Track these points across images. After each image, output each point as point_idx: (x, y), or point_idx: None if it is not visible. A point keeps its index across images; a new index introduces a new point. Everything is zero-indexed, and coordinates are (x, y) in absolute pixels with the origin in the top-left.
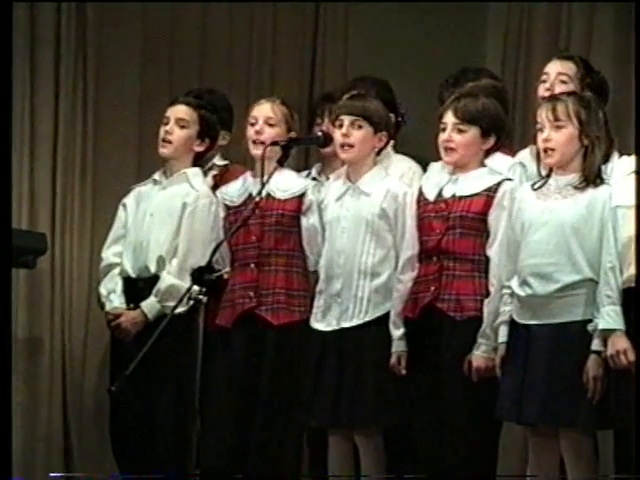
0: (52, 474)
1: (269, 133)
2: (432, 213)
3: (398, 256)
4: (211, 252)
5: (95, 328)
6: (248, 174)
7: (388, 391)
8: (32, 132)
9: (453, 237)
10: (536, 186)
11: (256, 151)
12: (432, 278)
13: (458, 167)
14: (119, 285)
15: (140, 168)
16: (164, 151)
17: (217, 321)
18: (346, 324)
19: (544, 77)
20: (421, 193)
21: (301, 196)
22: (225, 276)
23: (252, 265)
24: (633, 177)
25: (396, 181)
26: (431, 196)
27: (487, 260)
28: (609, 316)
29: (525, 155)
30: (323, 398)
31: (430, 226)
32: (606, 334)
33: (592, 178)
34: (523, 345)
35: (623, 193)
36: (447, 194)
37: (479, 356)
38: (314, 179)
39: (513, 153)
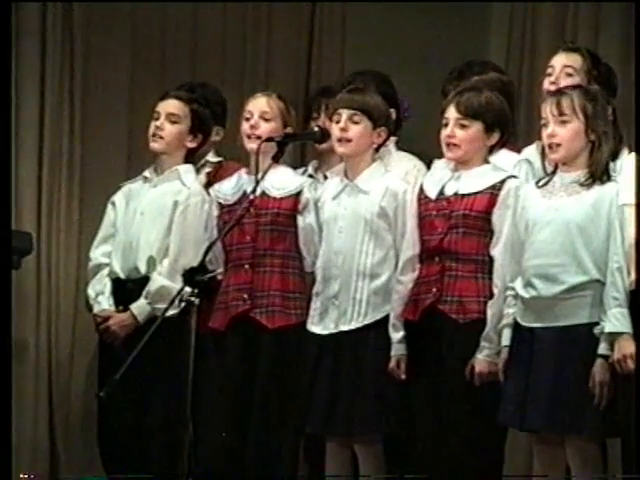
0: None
1: (264, 128)
2: (434, 211)
3: (398, 256)
4: (203, 252)
5: (83, 331)
6: (243, 171)
7: (387, 397)
8: (17, 128)
9: (456, 236)
10: (541, 183)
11: (251, 146)
12: (434, 279)
13: (461, 164)
14: (108, 286)
15: (129, 165)
16: (155, 145)
17: (210, 324)
18: (344, 327)
19: (549, 70)
20: (422, 191)
21: (297, 194)
22: (219, 277)
23: (246, 266)
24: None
25: (396, 178)
26: (433, 194)
27: (491, 260)
28: (616, 319)
29: (531, 151)
30: (319, 404)
31: (432, 225)
32: (613, 337)
33: (599, 175)
34: (527, 349)
35: (631, 191)
36: (449, 192)
37: (482, 360)
38: (310, 176)
39: (518, 150)
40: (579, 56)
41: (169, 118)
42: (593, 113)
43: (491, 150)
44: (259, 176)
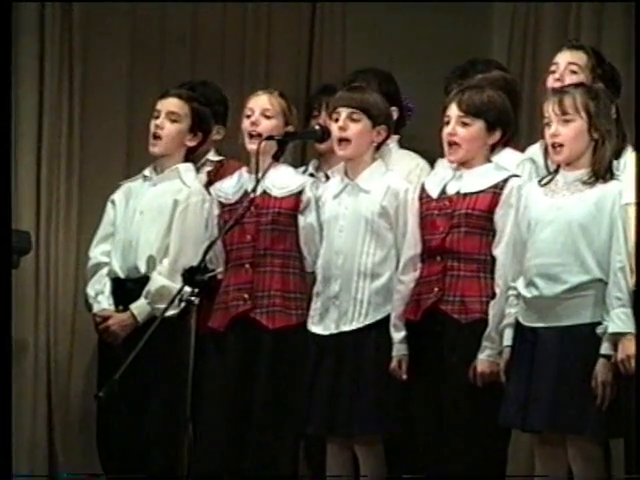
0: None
1: (265, 125)
2: (435, 211)
3: (399, 256)
4: (203, 252)
5: (82, 331)
6: (244, 170)
7: (388, 398)
8: (15, 127)
9: (458, 236)
10: (543, 182)
11: (251, 145)
12: (435, 279)
13: (463, 163)
14: (107, 286)
15: (128, 164)
16: (154, 149)
17: (210, 323)
18: (345, 328)
19: (553, 67)
20: (423, 190)
21: (298, 194)
22: (219, 276)
23: (247, 266)
24: None
25: (396, 177)
26: (434, 193)
27: (493, 260)
28: (619, 319)
29: (535, 150)
30: (320, 405)
31: (433, 224)
32: (617, 338)
33: (602, 173)
34: (529, 349)
35: (634, 190)
36: (451, 191)
37: (484, 360)
38: (311, 175)
39: (522, 149)
40: (584, 54)
41: (169, 117)
42: (596, 111)
43: (493, 149)
44: (259, 175)
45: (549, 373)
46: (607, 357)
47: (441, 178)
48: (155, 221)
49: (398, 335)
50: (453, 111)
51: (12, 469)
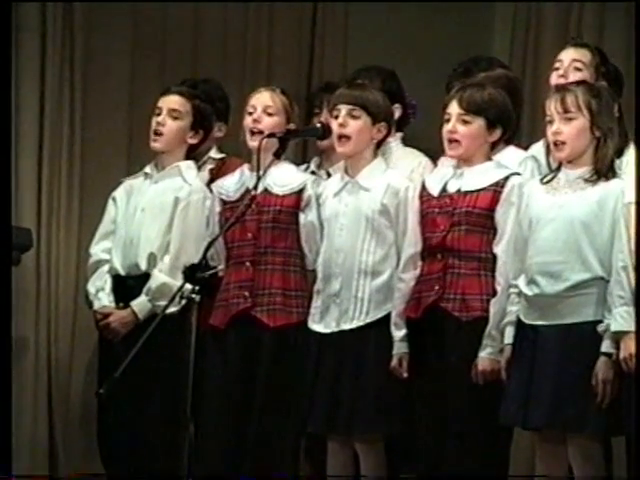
0: None
1: (267, 122)
2: (436, 209)
3: (400, 254)
4: (204, 249)
5: (82, 328)
6: (245, 167)
7: (389, 396)
8: (16, 123)
9: (458, 234)
10: (545, 180)
11: (253, 142)
12: (436, 277)
13: (463, 161)
14: (108, 283)
15: (130, 161)
16: (156, 145)
17: (210, 321)
18: (346, 326)
19: (557, 65)
20: (424, 188)
21: (300, 191)
22: (220, 274)
23: (247, 263)
24: None
25: (397, 175)
26: (435, 191)
27: (494, 258)
28: (622, 317)
29: (538, 149)
30: (321, 403)
31: (434, 222)
32: (619, 336)
33: (604, 171)
34: (530, 347)
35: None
36: (452, 189)
37: (484, 358)
38: (313, 173)
39: (525, 147)
40: (588, 51)
41: (170, 114)
42: (598, 109)
43: (493, 147)
44: (260, 172)
45: (550, 371)
46: (608, 355)
47: (442, 176)
48: (156, 218)
49: (399, 333)
50: (454, 109)
51: (12, 468)
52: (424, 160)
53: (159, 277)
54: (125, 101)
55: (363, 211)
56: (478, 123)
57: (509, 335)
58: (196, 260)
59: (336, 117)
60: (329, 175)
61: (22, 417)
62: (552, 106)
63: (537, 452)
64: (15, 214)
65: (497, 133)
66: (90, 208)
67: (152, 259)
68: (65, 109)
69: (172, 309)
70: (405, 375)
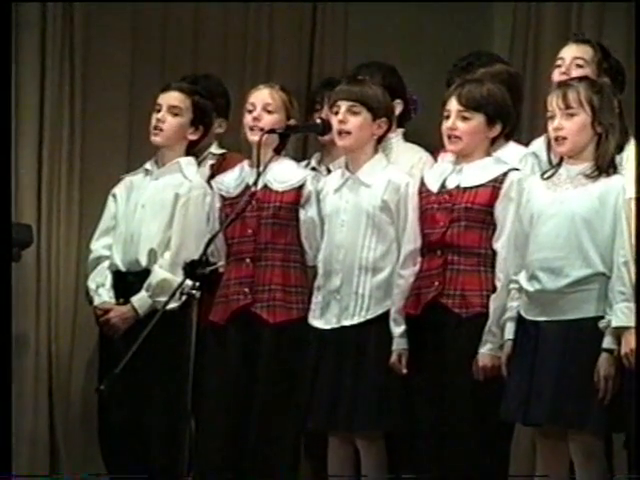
0: None
1: (267, 120)
2: (435, 205)
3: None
4: (205, 245)
5: (83, 324)
6: (245, 163)
7: (389, 393)
8: (17, 119)
9: (458, 230)
10: (546, 176)
11: (253, 137)
12: (436, 273)
13: (462, 156)
14: (108, 279)
15: (130, 157)
16: (156, 139)
17: (210, 317)
18: (346, 322)
19: (559, 62)
20: (423, 184)
21: (300, 187)
22: (220, 270)
23: (247, 260)
24: None
25: (397, 171)
26: (434, 187)
27: (493, 254)
28: (623, 313)
29: (539, 145)
30: (321, 400)
31: (433, 218)
32: (620, 332)
33: (605, 167)
34: (531, 342)
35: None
36: (451, 185)
37: (485, 354)
38: (313, 169)
39: (526, 144)
40: (590, 48)
41: (171, 110)
42: (599, 105)
43: (493, 142)
44: (261, 168)
45: (551, 367)
46: (609, 351)
47: (440, 172)
48: (156, 214)
49: (398, 329)
50: (453, 105)
51: (12, 467)
52: (424, 156)
53: (159, 273)
54: (125, 99)
55: (364, 207)
56: (478, 119)
57: (509, 331)
58: (196, 256)
59: (336, 113)
60: (329, 171)
61: (22, 414)
62: (554, 102)
63: (538, 448)
64: (15, 210)
65: (497, 128)
66: (90, 204)
67: (152, 255)
68: (65, 107)
69: (172, 305)
70: (404, 371)
